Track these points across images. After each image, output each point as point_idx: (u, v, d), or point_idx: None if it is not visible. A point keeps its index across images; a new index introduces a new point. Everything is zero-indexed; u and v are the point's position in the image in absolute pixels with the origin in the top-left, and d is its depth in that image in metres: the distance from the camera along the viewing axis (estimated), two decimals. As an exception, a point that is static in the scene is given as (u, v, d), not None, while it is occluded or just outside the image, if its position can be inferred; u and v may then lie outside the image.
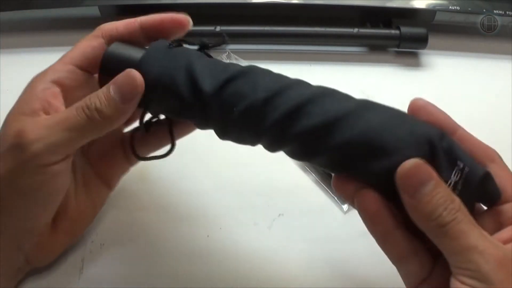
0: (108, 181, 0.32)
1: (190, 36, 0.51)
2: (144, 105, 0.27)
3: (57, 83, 0.27)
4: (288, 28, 0.48)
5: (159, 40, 0.28)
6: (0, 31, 0.50)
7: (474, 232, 0.22)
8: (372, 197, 0.23)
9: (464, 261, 0.21)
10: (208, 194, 0.37)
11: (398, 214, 0.24)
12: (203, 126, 0.28)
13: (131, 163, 0.33)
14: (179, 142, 0.40)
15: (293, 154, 0.26)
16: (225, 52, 0.46)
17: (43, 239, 0.29)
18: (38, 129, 0.24)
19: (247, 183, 0.38)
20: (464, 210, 0.22)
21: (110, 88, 0.25)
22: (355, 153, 0.23)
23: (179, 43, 0.28)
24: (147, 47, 0.28)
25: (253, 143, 0.27)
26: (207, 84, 0.25)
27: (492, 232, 0.23)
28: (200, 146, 0.40)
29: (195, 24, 0.47)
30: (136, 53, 0.27)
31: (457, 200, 0.22)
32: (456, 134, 0.26)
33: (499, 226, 0.24)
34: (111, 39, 0.28)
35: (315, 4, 0.49)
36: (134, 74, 0.25)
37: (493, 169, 0.24)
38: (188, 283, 0.32)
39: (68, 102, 0.27)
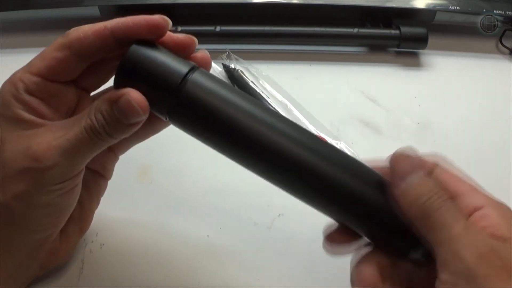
0: (102, 172, 0.32)
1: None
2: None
3: (30, 94, 0.26)
4: (288, 28, 0.48)
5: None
6: (0, 31, 0.50)
7: (460, 223, 0.21)
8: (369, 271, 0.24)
9: (449, 252, 0.21)
10: (208, 194, 0.37)
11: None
12: None
13: (115, 153, 0.32)
14: (178, 142, 0.40)
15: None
16: (225, 52, 0.46)
17: (55, 244, 0.29)
18: (55, 154, 0.24)
19: (247, 183, 0.38)
20: (452, 202, 0.22)
21: (114, 109, 0.24)
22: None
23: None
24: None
25: None
26: None
27: None
28: (200, 146, 0.40)
29: (195, 24, 0.47)
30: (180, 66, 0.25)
31: (446, 192, 0.22)
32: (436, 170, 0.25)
33: None
34: (80, 50, 0.26)
35: (315, 4, 0.49)
36: (139, 100, 0.24)
37: (437, 171, 0.25)
38: (188, 283, 0.32)
39: (51, 110, 0.26)
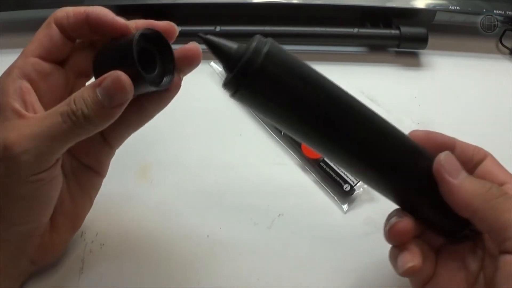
0: (96, 169, 0.31)
1: (191, 37, 0.51)
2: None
3: (25, 78, 0.26)
4: (288, 28, 0.48)
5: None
6: (0, 31, 0.50)
7: None
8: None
9: None
10: (208, 194, 0.37)
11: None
12: None
13: (111, 146, 0.31)
14: (179, 142, 0.40)
15: None
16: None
17: (45, 239, 0.29)
18: (25, 140, 0.24)
19: (247, 183, 0.38)
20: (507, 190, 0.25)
21: (97, 92, 0.24)
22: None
23: None
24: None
25: None
26: None
27: None
28: (201, 146, 0.40)
29: (195, 24, 0.48)
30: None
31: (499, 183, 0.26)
32: (457, 146, 0.28)
33: None
34: (63, 28, 0.27)
35: (315, 4, 0.49)
36: (123, 77, 0.24)
37: (486, 163, 0.28)
38: (188, 283, 0.32)
39: (38, 95, 0.27)
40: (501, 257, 0.24)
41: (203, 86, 0.45)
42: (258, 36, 0.24)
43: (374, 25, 0.49)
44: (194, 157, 0.39)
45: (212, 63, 0.46)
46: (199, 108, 0.41)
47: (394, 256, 0.27)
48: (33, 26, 0.51)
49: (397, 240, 0.26)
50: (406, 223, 0.26)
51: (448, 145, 0.27)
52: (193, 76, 0.46)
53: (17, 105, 0.25)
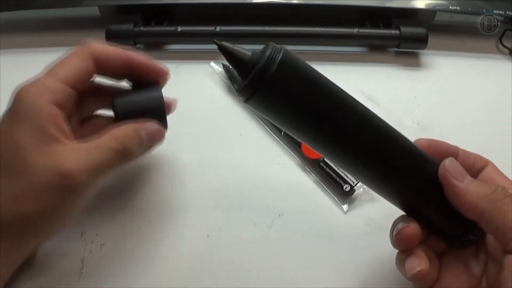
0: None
1: (191, 37, 0.51)
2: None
3: (58, 105, 0.27)
4: (288, 28, 0.48)
5: None
6: (0, 31, 0.50)
7: None
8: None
9: None
10: (208, 194, 0.37)
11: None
12: None
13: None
14: (179, 143, 0.40)
15: None
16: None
17: None
18: (86, 172, 0.27)
19: (247, 183, 0.38)
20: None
21: (142, 134, 0.30)
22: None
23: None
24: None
25: None
26: None
27: None
28: (200, 146, 0.40)
29: (195, 24, 0.48)
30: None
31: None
32: (459, 154, 0.29)
33: None
34: (100, 65, 0.30)
35: (315, 4, 0.49)
36: (161, 128, 0.32)
37: (488, 170, 0.28)
38: (188, 283, 0.32)
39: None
40: (507, 257, 0.24)
41: (203, 86, 0.45)
42: (272, 44, 0.24)
43: (374, 25, 0.49)
44: (194, 157, 0.39)
45: (212, 63, 0.46)
46: (199, 108, 0.41)
47: (401, 261, 0.27)
48: (33, 26, 0.51)
49: (404, 245, 0.27)
50: (413, 228, 0.26)
51: (451, 153, 0.28)
52: (193, 76, 0.46)
53: (54, 131, 0.27)
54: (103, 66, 0.30)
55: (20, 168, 0.26)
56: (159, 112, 0.32)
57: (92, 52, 0.29)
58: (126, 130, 0.29)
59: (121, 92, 0.33)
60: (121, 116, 0.31)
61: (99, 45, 0.30)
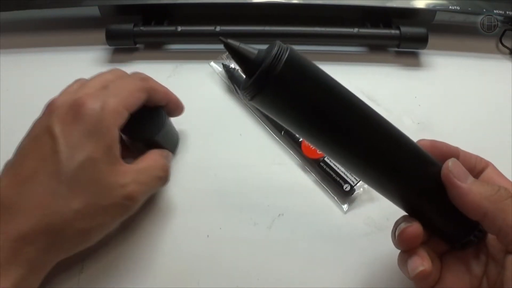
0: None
1: (191, 37, 0.51)
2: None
3: (119, 129, 0.30)
4: (288, 28, 0.48)
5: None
6: (0, 31, 0.50)
7: None
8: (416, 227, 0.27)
9: None
10: (208, 194, 0.37)
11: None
12: None
13: None
14: (178, 142, 0.40)
15: None
16: (225, 52, 0.46)
17: None
18: (141, 197, 0.31)
19: (247, 183, 0.38)
20: None
21: (166, 160, 0.34)
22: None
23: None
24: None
25: None
26: None
27: None
28: (200, 146, 0.40)
29: (195, 24, 0.47)
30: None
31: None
32: (460, 155, 0.29)
33: None
34: (150, 98, 0.33)
35: (315, 4, 0.49)
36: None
37: (488, 172, 0.29)
38: (188, 283, 0.32)
39: None
40: (508, 258, 0.25)
41: (203, 86, 0.45)
42: (278, 42, 0.24)
43: (374, 25, 0.49)
44: (194, 157, 0.39)
45: (212, 63, 0.46)
46: (199, 108, 0.41)
47: (403, 261, 0.27)
48: (33, 26, 0.51)
49: (407, 245, 0.27)
50: (416, 228, 0.27)
51: (453, 154, 0.29)
52: (193, 76, 0.46)
53: (118, 153, 0.30)
54: (149, 100, 0.33)
55: (93, 184, 0.28)
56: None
57: (149, 87, 0.33)
58: (159, 159, 0.33)
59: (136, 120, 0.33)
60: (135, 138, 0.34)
61: (153, 81, 0.34)
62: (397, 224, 0.28)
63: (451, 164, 0.26)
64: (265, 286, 0.32)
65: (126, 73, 0.34)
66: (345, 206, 0.36)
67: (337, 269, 0.33)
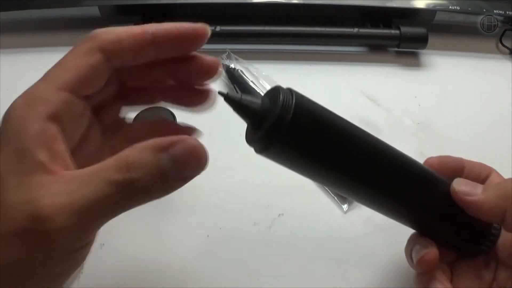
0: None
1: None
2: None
3: (53, 118, 0.20)
4: (288, 28, 0.48)
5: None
6: (0, 31, 0.50)
7: None
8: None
9: None
10: (208, 194, 0.37)
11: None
12: None
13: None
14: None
15: None
16: (225, 52, 0.46)
17: None
18: (63, 215, 0.18)
19: (247, 183, 0.38)
20: None
21: (161, 159, 0.19)
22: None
23: None
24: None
25: None
26: None
27: None
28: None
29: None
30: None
31: None
32: (465, 165, 0.29)
33: None
34: (114, 55, 0.21)
35: (315, 4, 0.49)
36: (199, 147, 0.20)
37: (492, 178, 0.29)
38: (188, 283, 0.32)
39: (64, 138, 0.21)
40: None
41: (203, 86, 0.45)
42: (280, 87, 0.23)
43: (374, 25, 0.49)
44: (194, 157, 0.39)
45: (212, 63, 0.46)
46: (199, 108, 0.41)
47: (422, 283, 0.28)
48: (33, 26, 0.51)
49: (425, 269, 0.27)
50: (434, 253, 0.27)
51: (458, 166, 0.29)
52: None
53: (42, 156, 0.19)
54: (117, 57, 0.22)
55: None
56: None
57: (98, 43, 0.21)
58: (139, 153, 0.19)
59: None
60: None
61: (105, 32, 0.21)
62: (411, 244, 0.28)
63: (456, 185, 0.26)
64: (265, 286, 0.32)
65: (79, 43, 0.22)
66: (345, 206, 0.36)
67: (337, 269, 0.33)
